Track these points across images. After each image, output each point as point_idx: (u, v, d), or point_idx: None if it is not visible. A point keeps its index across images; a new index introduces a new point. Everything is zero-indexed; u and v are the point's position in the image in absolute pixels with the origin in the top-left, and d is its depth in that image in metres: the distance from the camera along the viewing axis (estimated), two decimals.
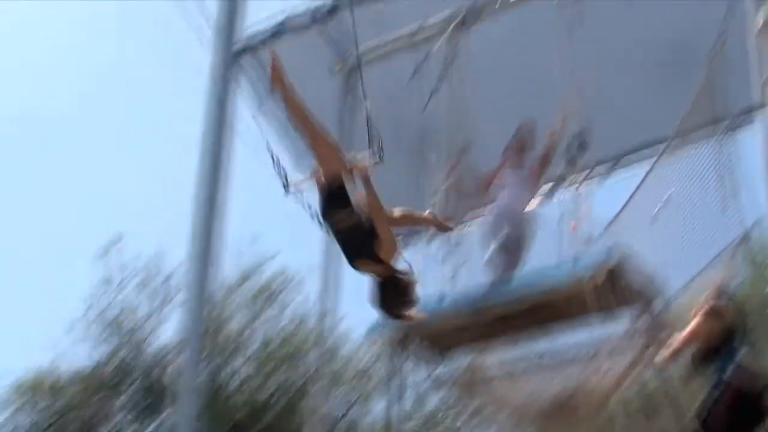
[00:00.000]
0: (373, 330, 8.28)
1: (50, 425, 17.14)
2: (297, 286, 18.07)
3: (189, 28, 7.98)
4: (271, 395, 17.26)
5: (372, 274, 5.26)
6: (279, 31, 8.73)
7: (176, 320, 16.87)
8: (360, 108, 8.59)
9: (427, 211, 6.39)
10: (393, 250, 5.26)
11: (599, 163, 9.02)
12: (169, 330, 17.38)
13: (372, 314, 8.32)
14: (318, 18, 8.62)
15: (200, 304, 7.01)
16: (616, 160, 9.51)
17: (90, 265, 17.64)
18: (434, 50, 8.69)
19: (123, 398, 17.49)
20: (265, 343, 17.65)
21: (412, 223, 5.99)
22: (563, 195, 8.53)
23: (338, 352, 15.82)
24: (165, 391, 16.28)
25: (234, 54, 8.30)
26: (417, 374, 8.83)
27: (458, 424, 14.73)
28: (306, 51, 8.71)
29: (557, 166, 8.25)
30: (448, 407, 14.50)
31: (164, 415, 16.78)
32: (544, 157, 8.40)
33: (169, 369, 16.59)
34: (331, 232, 5.33)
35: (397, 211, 5.59)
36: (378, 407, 16.11)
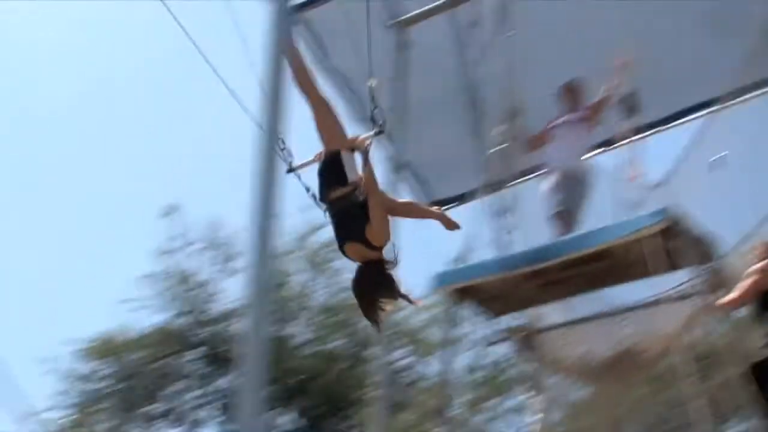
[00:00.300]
0: (435, 282, 8.13)
1: (119, 385, 17.22)
2: None
3: None
4: (332, 356, 17.21)
5: (359, 259, 4.95)
6: None
7: (237, 285, 17.06)
8: (412, 63, 8.50)
9: (435, 207, 5.98)
10: (383, 234, 4.92)
11: (654, 119, 8.82)
12: (230, 294, 17.35)
13: (428, 274, 8.31)
14: None
15: (264, 267, 6.86)
16: (671, 117, 9.26)
17: (153, 228, 17.64)
18: (487, 8, 8.44)
19: (188, 359, 17.51)
20: (325, 307, 17.57)
21: (416, 215, 5.61)
22: (618, 150, 8.36)
23: (397, 314, 15.68)
24: (229, 353, 16.28)
25: (290, 10, 8.11)
26: (475, 329, 8.66)
27: (516, 379, 14.63)
28: (360, 7, 8.53)
29: (611, 123, 8.11)
30: (507, 363, 14.33)
31: (229, 376, 16.80)
32: (596, 106, 8.23)
33: (233, 331, 16.58)
34: (327, 213, 5.06)
35: (401, 200, 5.46)
36: (437, 363, 15.98)
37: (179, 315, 17.53)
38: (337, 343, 17.43)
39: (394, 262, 4.95)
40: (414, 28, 8.67)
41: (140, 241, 20.76)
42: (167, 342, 17.24)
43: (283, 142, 5.58)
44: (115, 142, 24.52)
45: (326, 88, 8.96)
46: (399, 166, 8.92)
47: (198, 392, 17.54)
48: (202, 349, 17.39)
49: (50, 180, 24.42)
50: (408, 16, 8.74)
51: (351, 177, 5.00)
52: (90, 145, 25.11)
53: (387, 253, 4.96)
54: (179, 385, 17.52)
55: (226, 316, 17.20)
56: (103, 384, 17.27)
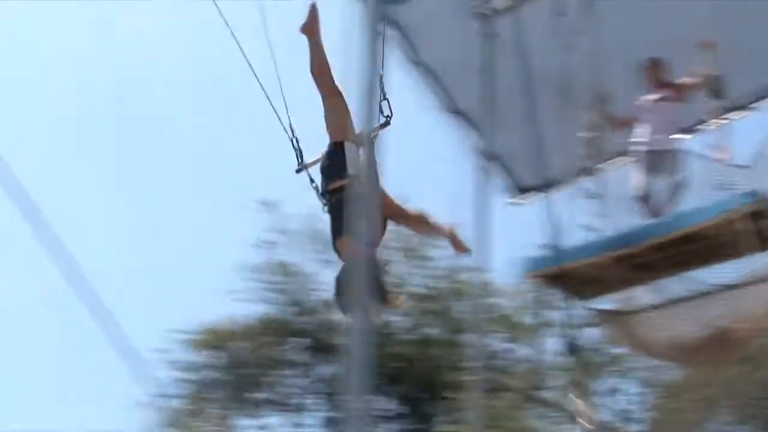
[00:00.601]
0: (526, 267, 8.03)
1: (227, 374, 17.38)
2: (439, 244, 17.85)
3: None
4: (428, 342, 17.15)
5: (350, 255, 4.58)
6: None
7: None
8: (499, 53, 8.41)
9: (449, 226, 5.57)
10: (377, 231, 4.72)
11: (741, 101, 8.56)
12: (329, 285, 17.35)
13: (516, 260, 8.22)
14: None
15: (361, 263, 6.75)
16: (758, 98, 8.97)
17: (252, 223, 17.75)
18: None
19: (292, 348, 17.61)
20: (419, 295, 17.49)
21: (426, 230, 5.41)
22: (705, 132, 8.16)
23: (490, 300, 15.54)
24: (330, 341, 16.35)
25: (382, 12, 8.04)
26: (568, 312, 8.52)
27: (610, 360, 14.44)
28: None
29: (698, 105, 7.93)
30: (601, 344, 14.11)
31: (330, 364, 16.87)
32: (683, 87, 8.04)
33: (334, 320, 16.64)
34: (326, 206, 4.90)
35: (414, 210, 5.22)
36: (531, 347, 15.83)
37: (282, 305, 17.61)
38: (432, 330, 17.35)
39: (385, 264, 4.81)
40: (500, 19, 8.52)
41: (242, 234, 20.87)
42: (271, 332, 17.34)
43: (297, 140, 5.29)
44: (216, 138, 24.56)
45: (413, 82, 9.06)
46: (488, 157, 8.81)
47: (302, 379, 17.62)
48: (305, 338, 17.44)
49: (159, 173, 24.71)
50: (494, 6, 8.61)
51: (352, 170, 4.79)
52: (194, 140, 25.23)
53: (379, 253, 4.74)
54: (284, 372, 17.61)
55: (327, 306, 17.19)
56: (212, 373, 17.43)
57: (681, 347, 8.07)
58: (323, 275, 17.49)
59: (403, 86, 8.84)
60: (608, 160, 8.58)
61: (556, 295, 8.29)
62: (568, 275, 7.87)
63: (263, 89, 5.35)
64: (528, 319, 15.83)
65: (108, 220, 23.67)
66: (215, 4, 5.54)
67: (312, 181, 5.09)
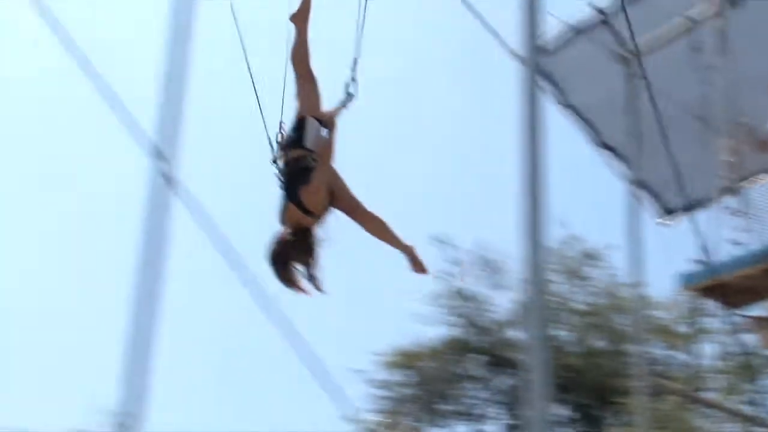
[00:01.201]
0: (682, 282, 7.80)
1: (417, 390, 17.52)
2: (599, 261, 17.52)
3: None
4: (593, 353, 16.84)
5: (292, 225, 4.40)
6: (574, 33, 8.48)
7: (506, 297, 17.05)
8: (641, 90, 8.27)
9: (409, 244, 4.88)
10: (318, 199, 4.38)
11: None
12: (503, 305, 17.35)
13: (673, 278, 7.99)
14: (604, 18, 8.30)
15: (537, 280, 6.68)
16: None
17: (430, 251, 17.83)
18: (707, 30, 8.07)
19: (473, 364, 17.62)
20: (583, 310, 17.22)
21: (384, 238, 4.75)
22: None
23: (649, 312, 15.15)
24: (508, 356, 16.31)
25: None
26: (721, 323, 8.23)
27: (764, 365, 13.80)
28: (594, 44, 8.38)
29: None
30: (755, 348, 13.48)
31: (509, 377, 16.80)
32: None
33: (511, 337, 16.56)
34: (278, 173, 4.53)
35: (371, 212, 4.65)
36: (690, 353, 15.31)
37: (462, 327, 17.70)
38: (597, 342, 17.05)
39: (322, 239, 4.42)
40: (641, 59, 8.39)
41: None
42: (454, 350, 17.42)
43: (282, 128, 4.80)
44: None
45: (564, 122, 9.01)
46: (637, 184, 8.68)
47: (483, 392, 17.60)
48: (484, 355, 17.44)
49: None
50: (634, 49, 8.48)
51: (309, 144, 4.55)
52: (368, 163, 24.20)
53: (320, 227, 4.44)
54: (467, 386, 17.64)
55: (502, 325, 17.17)
56: (405, 389, 17.62)
57: None
58: (495, 298, 17.49)
59: (559, 126, 8.81)
60: (750, 178, 8.28)
61: (710, 305, 8.02)
62: (721, 287, 7.62)
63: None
64: (684, 328, 15.34)
65: None
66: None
67: (275, 161, 4.69)
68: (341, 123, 4.61)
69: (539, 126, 6.27)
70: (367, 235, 4.69)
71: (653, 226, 9.41)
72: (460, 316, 17.66)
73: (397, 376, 17.57)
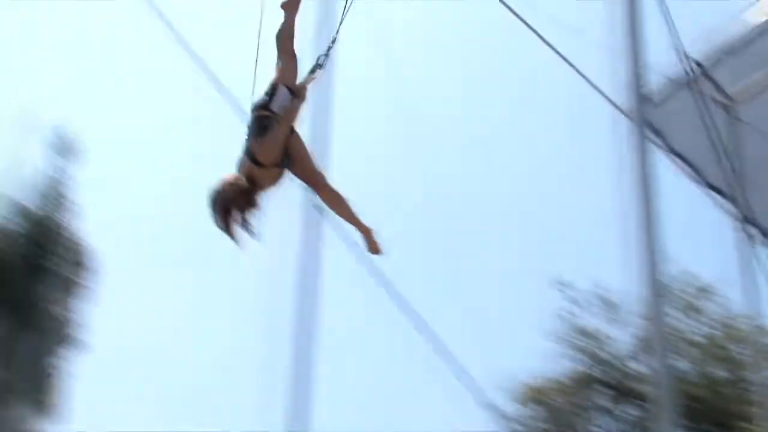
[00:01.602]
0: None
1: (546, 424, 17.33)
2: (713, 295, 17.05)
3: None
4: (714, 383, 16.32)
5: (241, 174, 4.34)
6: (675, 84, 8.47)
7: (626, 332, 16.72)
8: (746, 136, 8.17)
9: (368, 225, 4.73)
10: (269, 151, 4.36)
11: None
12: (623, 340, 17.07)
13: None
14: (703, 70, 8.29)
15: (659, 316, 6.67)
16: None
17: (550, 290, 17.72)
18: None
19: (599, 396, 17.36)
20: (700, 343, 16.77)
21: (344, 215, 4.65)
22: None
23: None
24: (632, 388, 16.02)
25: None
26: None
27: None
28: (694, 93, 8.35)
29: None
30: None
31: (633, 407, 16.47)
32: None
33: (633, 370, 16.21)
34: (247, 128, 4.57)
35: (334, 186, 4.58)
36: None
37: (585, 361, 17.51)
38: (717, 372, 16.54)
39: (267, 192, 4.37)
40: (739, 105, 8.32)
41: (545, 305, 20.35)
42: (580, 384, 17.23)
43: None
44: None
45: (667, 167, 8.92)
46: (745, 222, 8.54)
47: (610, 422, 17.31)
48: (608, 388, 17.19)
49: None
50: (732, 96, 8.42)
51: (275, 107, 4.57)
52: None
53: (271, 182, 4.41)
54: (595, 419, 17.40)
55: (623, 358, 16.92)
56: (535, 423, 17.48)
57: None
58: (614, 333, 17.26)
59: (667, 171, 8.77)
60: None
61: None
62: None
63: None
64: None
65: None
66: None
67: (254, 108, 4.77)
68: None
69: (649, 172, 6.30)
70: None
71: (764, 258, 9.20)
72: (582, 351, 17.50)
73: (527, 410, 17.45)
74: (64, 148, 17.92)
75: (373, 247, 4.72)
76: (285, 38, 4.86)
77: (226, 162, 4.50)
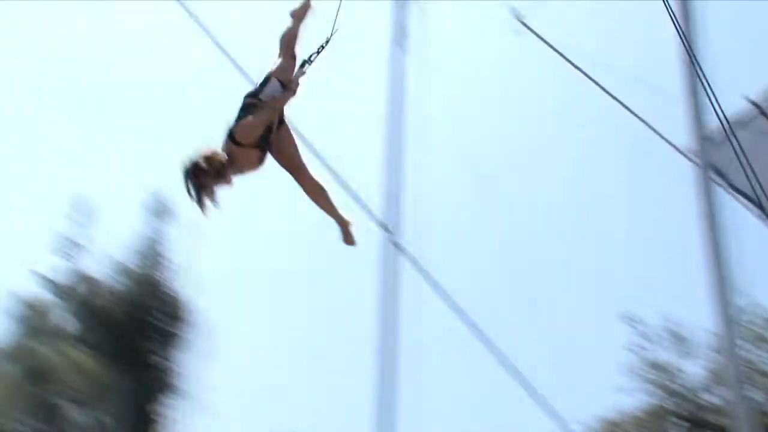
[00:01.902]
0: None
1: None
2: None
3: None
4: None
5: (221, 150, 4.44)
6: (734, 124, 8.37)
7: (697, 366, 16.28)
8: None
9: (348, 218, 4.80)
10: (247, 130, 4.47)
11: None
12: (697, 374, 16.61)
13: None
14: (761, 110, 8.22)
15: (733, 352, 6.48)
16: None
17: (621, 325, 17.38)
18: None
19: (675, 429, 16.89)
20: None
21: (323, 206, 4.70)
22: None
23: None
24: (704, 419, 15.57)
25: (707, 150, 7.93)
26: None
27: None
28: (753, 132, 8.25)
29: None
30: None
31: None
32: None
33: (708, 402, 15.76)
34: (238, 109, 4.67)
35: (318, 178, 4.66)
36: None
37: (659, 395, 17.12)
38: None
39: (240, 171, 4.45)
40: None
41: (616, 339, 19.81)
42: (656, 417, 16.82)
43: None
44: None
45: (734, 204, 8.75)
46: None
47: None
48: (684, 420, 16.75)
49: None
50: None
51: (264, 96, 4.68)
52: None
53: (246, 164, 4.48)
54: None
55: (696, 391, 16.51)
56: None
57: None
58: (685, 366, 16.91)
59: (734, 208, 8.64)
60: None
61: None
62: None
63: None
64: None
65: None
66: None
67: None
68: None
69: (717, 211, 6.22)
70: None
71: None
72: (655, 384, 17.12)
73: None
74: (161, 211, 18.43)
75: (348, 239, 4.76)
76: (288, 41, 5.04)
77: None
